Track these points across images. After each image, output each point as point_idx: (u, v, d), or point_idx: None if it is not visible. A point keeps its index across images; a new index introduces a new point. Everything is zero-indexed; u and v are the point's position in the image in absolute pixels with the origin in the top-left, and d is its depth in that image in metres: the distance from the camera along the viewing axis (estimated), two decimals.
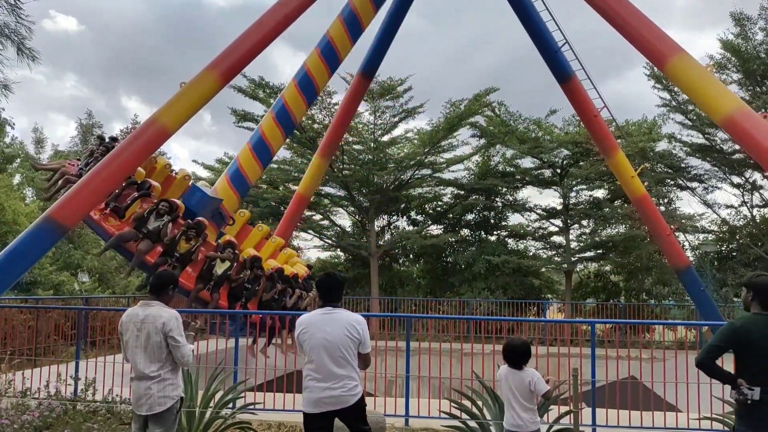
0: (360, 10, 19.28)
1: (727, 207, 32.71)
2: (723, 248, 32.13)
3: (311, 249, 38.91)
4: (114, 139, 17.81)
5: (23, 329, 14.45)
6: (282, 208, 30.30)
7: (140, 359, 5.80)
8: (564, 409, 8.10)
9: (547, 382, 6.11)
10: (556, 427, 7.80)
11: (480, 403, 8.11)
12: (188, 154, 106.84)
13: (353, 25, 19.33)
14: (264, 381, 10.96)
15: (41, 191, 21.47)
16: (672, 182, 31.53)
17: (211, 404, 8.44)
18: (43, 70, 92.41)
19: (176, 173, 18.33)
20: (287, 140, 30.92)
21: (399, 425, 9.51)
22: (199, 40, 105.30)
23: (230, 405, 8.90)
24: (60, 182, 16.66)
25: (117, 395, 9.76)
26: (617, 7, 14.58)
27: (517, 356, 6.03)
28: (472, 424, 7.94)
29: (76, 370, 10.69)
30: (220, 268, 15.28)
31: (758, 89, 28.33)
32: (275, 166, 33.24)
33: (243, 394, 9.32)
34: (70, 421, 8.71)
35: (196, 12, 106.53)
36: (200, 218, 15.61)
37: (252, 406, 8.93)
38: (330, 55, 19.30)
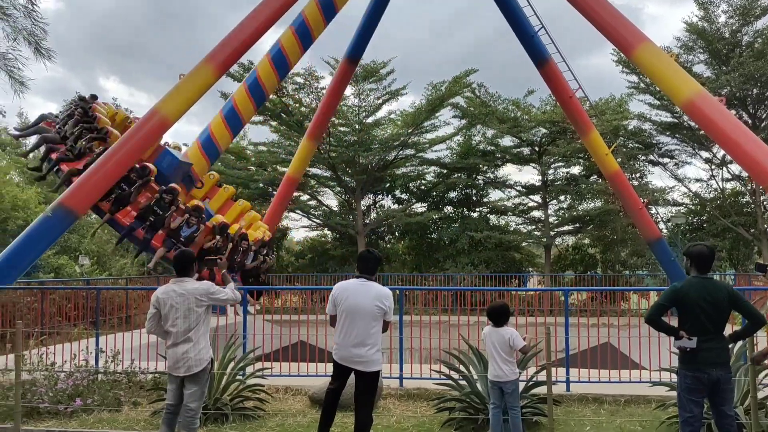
0: None
1: (697, 181, 34.03)
2: (694, 220, 33.54)
3: (299, 228, 39.74)
4: (94, 97, 18.62)
5: (33, 310, 15.39)
6: (271, 190, 31.21)
7: (180, 327, 6.76)
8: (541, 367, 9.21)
9: (524, 339, 7.27)
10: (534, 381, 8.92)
11: (466, 362, 9.18)
12: (172, 133, 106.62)
13: (327, 6, 20.07)
14: (271, 351, 12.03)
15: (31, 171, 21.99)
16: (644, 158, 32.80)
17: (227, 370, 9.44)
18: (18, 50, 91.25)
19: None
20: (275, 123, 31.85)
21: (394, 386, 10.57)
22: (180, 17, 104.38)
23: (242, 371, 9.90)
24: (38, 142, 17.43)
25: (136, 366, 10.77)
26: None
27: (497, 315, 7.19)
28: (462, 381, 9.01)
29: (97, 344, 11.67)
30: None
31: (723, 68, 29.51)
32: (264, 149, 34.14)
33: (253, 362, 10.33)
34: (97, 389, 9.74)
35: None
36: (174, 185, 16.63)
37: (261, 372, 9.91)
38: (304, 34, 20.09)
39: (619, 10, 15.10)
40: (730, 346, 6.30)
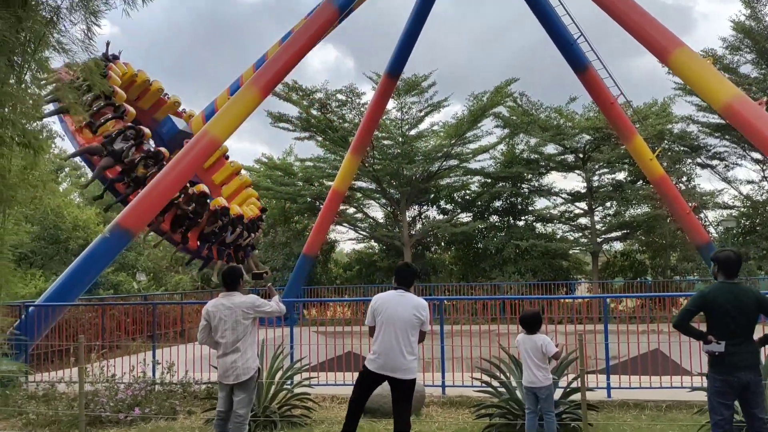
0: None
1: (749, 183, 33.30)
2: (746, 223, 32.83)
3: (347, 241, 40.33)
4: (109, 58, 19.25)
5: (95, 325, 16.22)
6: (318, 204, 31.85)
7: (229, 338, 7.23)
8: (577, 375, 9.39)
9: (557, 346, 7.51)
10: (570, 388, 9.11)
11: (506, 369, 9.43)
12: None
13: None
14: (317, 362, 12.45)
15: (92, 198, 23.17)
16: (690, 161, 32.33)
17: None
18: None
19: (169, 97, 20.82)
20: (321, 139, 32.50)
21: (437, 394, 10.87)
22: (231, 37, 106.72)
23: (290, 381, 10.32)
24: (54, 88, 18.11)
25: (191, 377, 11.33)
26: (621, 5, 15.69)
27: (530, 323, 7.46)
28: (501, 388, 9.26)
29: (153, 357, 12.30)
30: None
31: None
32: (310, 164, 34.90)
33: (300, 372, 10.75)
34: (154, 399, 10.31)
35: (227, 9, 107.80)
36: (161, 149, 17.45)
37: (308, 381, 10.32)
38: None
39: (652, 15, 15.16)
40: (760, 349, 6.43)
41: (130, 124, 17.27)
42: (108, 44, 19.78)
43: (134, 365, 11.49)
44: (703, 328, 6.34)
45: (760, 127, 13.12)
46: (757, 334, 6.37)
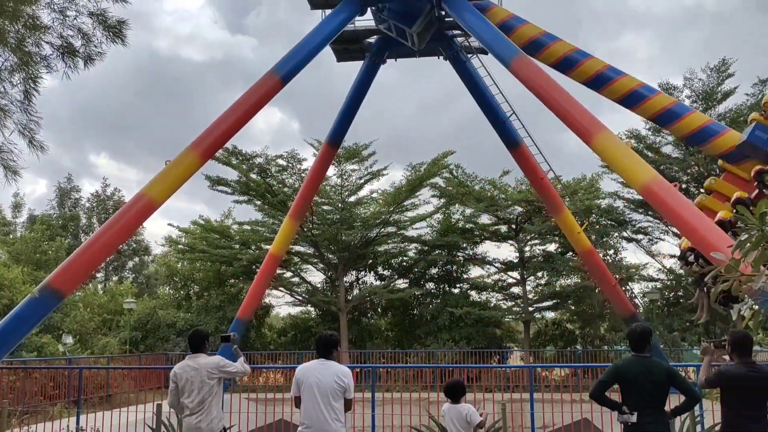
0: None
1: (671, 257, 34.83)
2: (670, 295, 34.19)
3: (282, 305, 39.99)
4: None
5: (15, 389, 15.63)
6: (254, 267, 31.67)
7: (195, 399, 7.48)
8: None
9: (481, 415, 7.79)
10: None
11: None
12: (163, 210, 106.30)
13: None
14: (247, 430, 12.34)
15: None
16: (617, 235, 33.74)
17: None
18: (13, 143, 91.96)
19: None
20: (259, 203, 32.63)
21: None
22: (174, 94, 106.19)
23: None
24: None
25: None
26: (550, 90, 16.70)
27: (453, 392, 7.73)
28: None
29: (78, 423, 11.98)
30: None
31: (689, 149, 30.81)
32: (248, 227, 34.83)
33: None
34: None
35: (172, 67, 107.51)
36: None
37: None
38: None
39: (577, 101, 16.22)
40: (672, 420, 6.85)
41: None
42: None
43: None
44: None
45: (674, 207, 14.02)
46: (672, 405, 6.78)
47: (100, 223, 44.71)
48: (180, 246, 36.81)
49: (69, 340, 27.06)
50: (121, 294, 37.72)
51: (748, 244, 4.61)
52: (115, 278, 50.34)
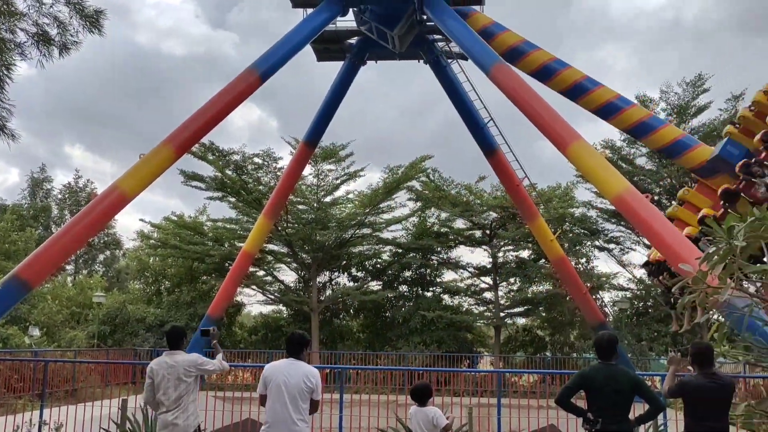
0: None
1: (642, 266, 35.18)
2: (639, 305, 34.61)
3: (254, 304, 39.76)
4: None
5: None
6: (227, 265, 31.48)
7: (171, 396, 7.37)
8: None
9: (448, 419, 7.81)
10: None
11: None
12: (137, 203, 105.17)
13: None
14: (213, 428, 12.24)
15: None
16: (589, 244, 34.09)
17: None
18: None
19: None
20: (234, 200, 32.42)
21: None
22: (154, 88, 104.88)
23: None
24: None
25: None
26: (528, 98, 16.86)
27: (419, 395, 7.74)
28: None
29: (41, 417, 11.77)
30: None
31: (663, 161, 31.25)
32: (221, 224, 34.58)
33: None
34: None
35: (153, 60, 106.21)
36: None
37: None
38: None
39: (554, 109, 16.38)
40: (636, 428, 6.92)
41: None
42: None
43: (19, 425, 10.98)
44: None
45: (645, 218, 14.22)
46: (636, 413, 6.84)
47: (72, 215, 44.11)
48: (152, 241, 36.46)
49: (36, 332, 26.65)
50: (90, 287, 37.24)
51: (716, 257, 4.69)
52: (85, 271, 49.71)
